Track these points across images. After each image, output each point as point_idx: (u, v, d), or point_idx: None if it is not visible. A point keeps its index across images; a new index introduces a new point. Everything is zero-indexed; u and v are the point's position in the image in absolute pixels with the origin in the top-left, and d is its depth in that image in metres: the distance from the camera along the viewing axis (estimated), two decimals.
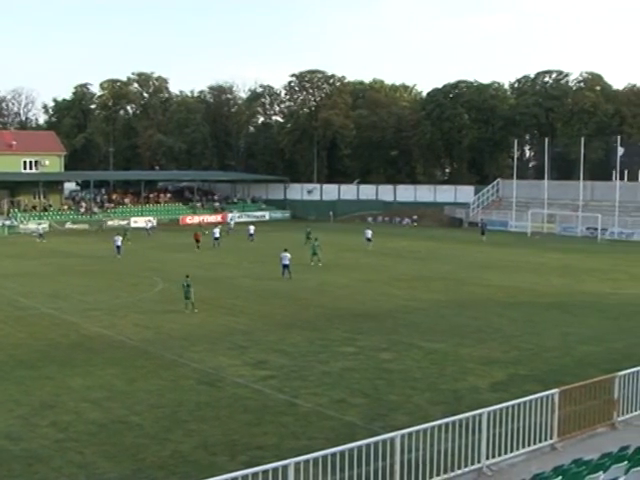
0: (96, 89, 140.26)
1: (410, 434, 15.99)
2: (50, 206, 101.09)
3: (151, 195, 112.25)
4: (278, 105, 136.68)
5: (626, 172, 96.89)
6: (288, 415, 22.50)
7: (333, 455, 14.69)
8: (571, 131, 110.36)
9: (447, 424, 16.66)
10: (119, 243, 65.49)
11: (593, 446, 17.81)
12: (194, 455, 19.42)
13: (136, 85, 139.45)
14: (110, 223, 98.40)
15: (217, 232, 74.40)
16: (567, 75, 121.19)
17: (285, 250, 51.97)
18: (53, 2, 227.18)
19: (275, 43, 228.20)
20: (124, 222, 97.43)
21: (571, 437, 18.79)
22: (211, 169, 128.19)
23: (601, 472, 11.23)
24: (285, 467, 13.85)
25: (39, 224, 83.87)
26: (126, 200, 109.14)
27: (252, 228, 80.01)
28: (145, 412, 22.71)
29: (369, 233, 72.82)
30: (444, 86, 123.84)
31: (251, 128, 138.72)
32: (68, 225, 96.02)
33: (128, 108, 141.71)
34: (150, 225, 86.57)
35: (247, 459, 18.60)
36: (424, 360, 29.29)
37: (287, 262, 50.69)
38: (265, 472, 13.62)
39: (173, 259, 62.28)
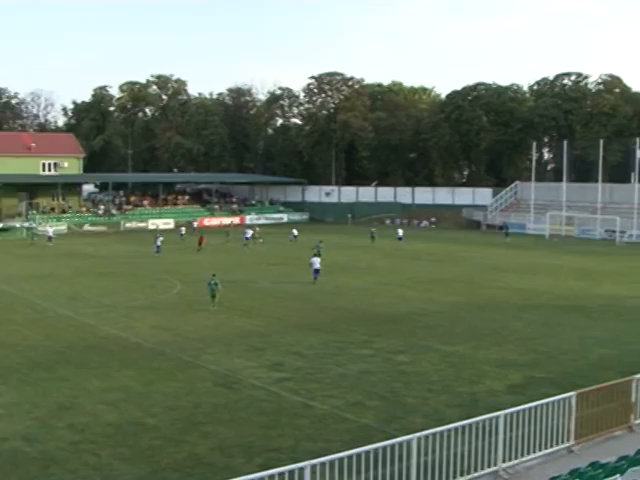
0: (115, 91, 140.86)
1: (426, 437, 15.92)
2: (70, 208, 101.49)
3: (169, 197, 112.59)
4: (297, 107, 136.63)
5: None
6: (304, 417, 22.49)
7: (349, 458, 14.63)
8: (590, 133, 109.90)
9: (463, 427, 16.60)
10: (159, 242, 68.38)
11: (610, 449, 17.70)
12: (210, 457, 19.42)
13: (155, 87, 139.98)
14: (128, 225, 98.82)
15: (249, 233, 76.91)
16: (586, 77, 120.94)
17: (315, 255, 52.49)
18: (74, 4, 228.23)
19: (294, 45, 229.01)
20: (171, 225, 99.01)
21: (588, 440, 18.70)
22: (229, 171, 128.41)
23: (618, 475, 11.16)
24: (301, 469, 13.81)
25: (51, 226, 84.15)
26: (144, 202, 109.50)
27: (295, 231, 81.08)
28: (161, 414, 22.74)
29: (400, 232, 77.04)
30: (463, 88, 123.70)
31: (270, 130, 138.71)
32: (86, 227, 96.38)
33: (147, 110, 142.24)
34: (183, 229, 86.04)
35: (263, 461, 18.58)
36: (441, 363, 29.22)
37: (318, 266, 50.42)
38: (281, 474, 13.59)
39: (190, 261, 62.34)
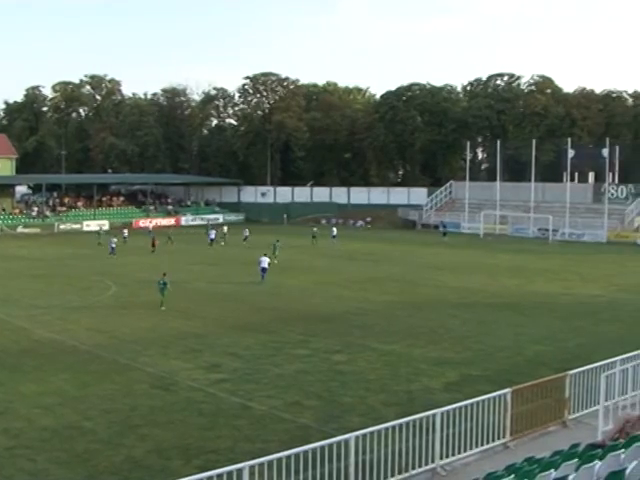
0: (48, 91, 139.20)
1: (364, 435, 15.96)
2: (2, 210, 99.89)
3: (104, 198, 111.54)
4: (232, 108, 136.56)
5: (576, 174, 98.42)
6: (242, 418, 22.40)
7: (287, 458, 14.61)
8: (522, 133, 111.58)
9: (401, 425, 16.67)
10: (113, 244, 67.76)
11: (545, 444, 17.93)
12: (147, 460, 19.24)
13: (88, 87, 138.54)
14: (62, 227, 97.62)
15: (213, 233, 77.85)
16: (519, 78, 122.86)
17: (265, 254, 52.31)
18: (5, 2, 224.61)
19: (229, 46, 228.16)
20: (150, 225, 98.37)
21: (523, 436, 18.92)
22: (164, 172, 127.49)
23: (552, 470, 11.31)
24: (239, 470, 13.76)
25: None
26: (79, 204, 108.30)
27: (247, 231, 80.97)
28: (98, 417, 22.45)
29: (334, 231, 77.71)
30: (397, 89, 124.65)
31: (204, 131, 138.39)
32: (20, 229, 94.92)
33: (80, 111, 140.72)
34: (126, 231, 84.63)
35: (201, 463, 18.45)
36: (377, 362, 29.32)
37: (266, 265, 50.77)
38: (219, 476, 13.52)
39: (125, 263, 61.68)
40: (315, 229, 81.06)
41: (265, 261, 51.18)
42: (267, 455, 14.83)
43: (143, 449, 19.91)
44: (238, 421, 22.10)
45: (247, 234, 79.54)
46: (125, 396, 24.55)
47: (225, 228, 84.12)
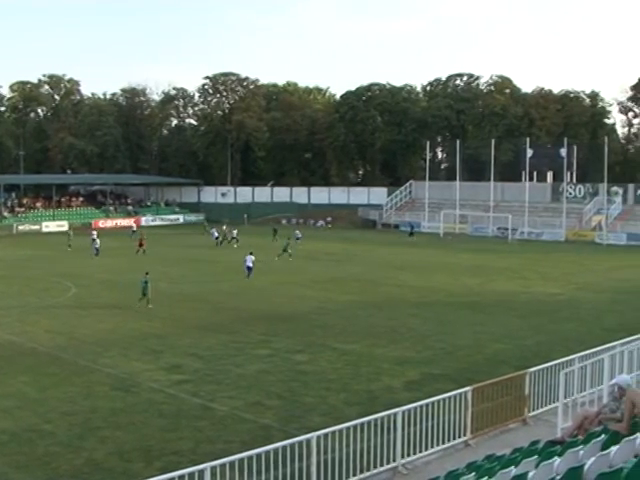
0: (5, 91, 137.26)
1: (326, 435, 15.98)
2: None
3: (63, 199, 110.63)
4: (192, 108, 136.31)
5: (535, 173, 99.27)
6: (204, 419, 22.35)
7: (249, 458, 14.59)
8: (482, 133, 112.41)
9: (362, 424, 16.71)
10: (97, 245, 67.43)
11: (505, 442, 18.06)
12: (108, 462, 19.13)
13: (47, 87, 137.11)
14: (21, 228, 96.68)
15: (216, 233, 78.27)
16: (478, 78, 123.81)
17: (251, 253, 53.18)
18: None
19: (188, 45, 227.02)
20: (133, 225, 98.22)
21: (484, 434, 19.04)
22: (124, 172, 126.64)
23: (512, 467, 11.39)
24: (201, 472, 13.71)
25: None
26: (37, 204, 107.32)
27: (235, 232, 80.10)
28: (58, 420, 22.28)
29: (299, 234, 76.98)
30: (357, 89, 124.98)
31: (164, 131, 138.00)
32: None
33: (39, 111, 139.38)
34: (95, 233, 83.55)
35: (163, 465, 18.38)
36: (339, 361, 29.39)
37: (251, 264, 51.91)
38: (181, 477, 13.45)
39: (85, 264, 61.21)
40: (276, 228, 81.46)
41: (250, 259, 52.27)
42: (229, 456, 14.78)
43: (104, 451, 19.80)
44: (199, 422, 22.04)
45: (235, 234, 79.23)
46: (85, 398, 24.38)
47: (224, 227, 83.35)
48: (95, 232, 77.70)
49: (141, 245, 68.59)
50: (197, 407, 23.50)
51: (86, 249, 70.01)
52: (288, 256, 63.44)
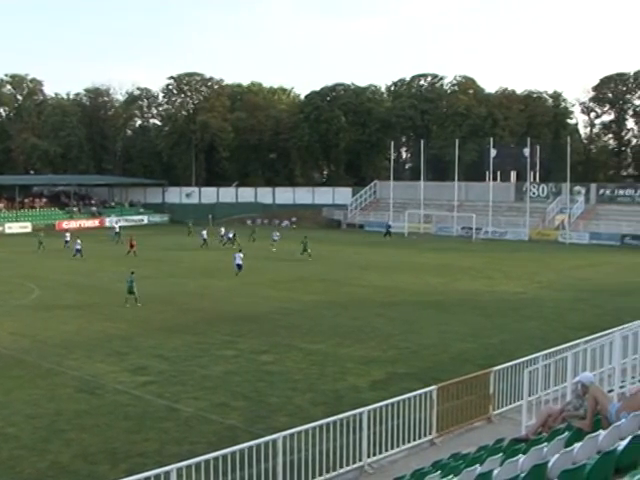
0: None
1: (292, 435, 16.01)
2: None
3: (26, 200, 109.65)
4: (156, 108, 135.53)
5: (499, 173, 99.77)
6: (169, 421, 22.28)
7: (215, 459, 14.59)
8: (446, 133, 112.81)
9: (328, 424, 16.76)
10: (78, 246, 66.35)
11: (470, 440, 18.18)
12: (74, 465, 19.02)
13: (9, 87, 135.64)
14: None
15: (226, 232, 78.36)
16: (442, 79, 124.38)
17: (240, 250, 55.10)
18: None
19: (152, 45, 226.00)
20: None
21: (449, 432, 19.16)
22: (88, 173, 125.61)
23: (478, 465, 11.48)
24: (167, 473, 13.69)
25: None
26: (0, 205, 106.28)
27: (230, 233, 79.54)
28: (22, 423, 22.10)
29: (276, 235, 76.30)
30: (322, 89, 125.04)
31: (128, 131, 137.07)
32: None
33: (1, 111, 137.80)
34: (69, 235, 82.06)
35: (128, 467, 18.32)
36: (304, 361, 29.42)
37: (240, 262, 53.79)
38: (147, 479, 13.46)
39: (48, 266, 60.71)
40: (253, 231, 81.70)
41: (239, 257, 54.16)
42: (195, 457, 14.80)
43: (69, 454, 19.68)
44: (165, 423, 21.97)
45: (222, 233, 79.97)
46: (50, 401, 24.22)
47: (222, 229, 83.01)
48: (69, 234, 77.05)
49: (132, 246, 67.66)
50: (162, 408, 23.42)
51: (59, 251, 69.54)
52: (308, 256, 64.55)
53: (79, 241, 67.40)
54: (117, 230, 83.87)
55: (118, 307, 41.47)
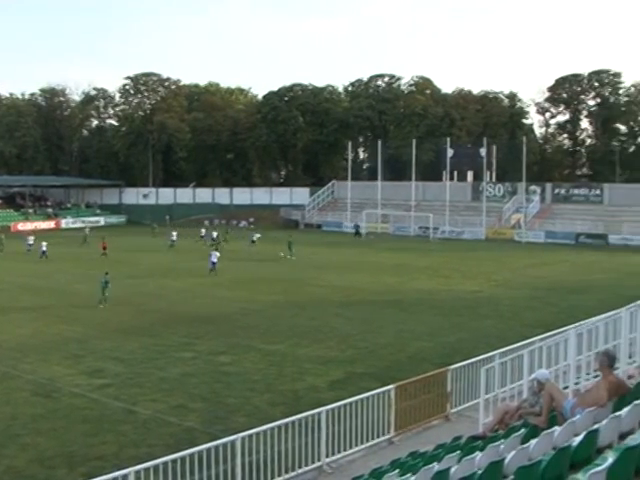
0: None
1: (250, 436, 16.00)
2: None
3: None
4: (112, 108, 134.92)
5: (455, 173, 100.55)
6: (127, 423, 22.13)
7: (174, 461, 14.54)
8: (403, 133, 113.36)
9: (287, 424, 16.76)
10: (44, 248, 65.40)
11: (428, 438, 18.29)
12: (30, 470, 18.81)
13: None
14: None
15: (175, 235, 76.99)
16: (399, 79, 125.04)
17: (216, 249, 56.59)
18: None
19: (109, 45, 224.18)
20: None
21: (407, 431, 19.24)
22: (43, 174, 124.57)
23: (435, 463, 11.55)
24: (125, 476, 13.64)
25: None
26: None
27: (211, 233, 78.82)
28: None
29: (254, 236, 75.31)
30: (279, 89, 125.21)
31: (85, 132, 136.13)
32: None
33: None
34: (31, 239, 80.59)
35: (86, 470, 18.19)
36: (262, 362, 29.36)
37: (215, 260, 55.27)
38: None
39: (4, 268, 59.89)
40: (219, 231, 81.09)
41: (215, 255, 55.76)
42: (153, 459, 14.73)
43: (25, 459, 19.47)
44: (123, 426, 21.83)
45: (207, 234, 79.24)
46: (5, 405, 23.95)
47: (216, 233, 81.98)
48: (32, 237, 75.23)
49: (104, 248, 67.19)
50: (120, 411, 23.26)
51: (19, 254, 68.80)
52: (290, 256, 65.45)
53: (44, 243, 66.49)
54: (87, 232, 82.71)
55: (75, 309, 41.15)
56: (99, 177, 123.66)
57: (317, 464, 17.28)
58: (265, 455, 16.27)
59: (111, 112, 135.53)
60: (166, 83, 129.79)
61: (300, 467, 16.91)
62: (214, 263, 54.99)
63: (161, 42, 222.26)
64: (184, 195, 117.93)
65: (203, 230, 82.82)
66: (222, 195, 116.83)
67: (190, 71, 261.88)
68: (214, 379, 26.75)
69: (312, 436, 17.10)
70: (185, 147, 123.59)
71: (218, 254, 56.12)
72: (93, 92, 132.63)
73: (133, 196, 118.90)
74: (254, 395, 24.74)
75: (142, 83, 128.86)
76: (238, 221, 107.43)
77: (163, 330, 35.49)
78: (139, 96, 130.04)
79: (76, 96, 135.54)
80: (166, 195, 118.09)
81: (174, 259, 64.49)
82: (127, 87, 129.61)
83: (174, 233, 77.44)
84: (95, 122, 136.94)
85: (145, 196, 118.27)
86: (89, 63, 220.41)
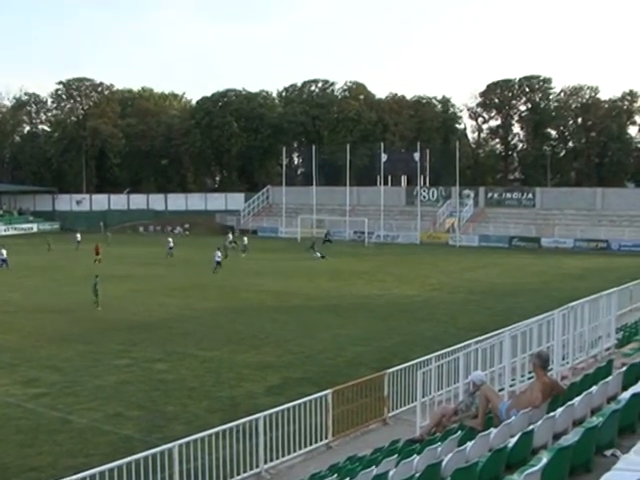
0: None
1: (188, 443, 15.94)
2: None
3: None
4: (45, 114, 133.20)
5: (390, 177, 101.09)
6: (63, 433, 21.89)
7: (111, 470, 14.41)
8: (337, 138, 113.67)
9: (224, 431, 16.75)
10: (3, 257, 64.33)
11: (366, 442, 18.40)
12: None
13: None
14: None
15: (171, 242, 72.84)
16: (333, 84, 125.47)
17: (218, 249, 60.98)
18: None
19: (40, 49, 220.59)
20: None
21: (345, 435, 19.34)
22: None
23: (374, 467, 11.64)
24: None
25: None
26: None
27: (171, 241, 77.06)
28: None
29: (171, 242, 72.86)
30: (213, 95, 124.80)
31: (17, 138, 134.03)
32: None
33: None
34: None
35: None
36: (199, 369, 29.28)
37: (218, 259, 59.95)
38: None
39: None
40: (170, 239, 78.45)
41: (217, 255, 60.12)
42: (90, 469, 14.57)
43: None
44: (59, 436, 21.59)
45: (171, 245, 73.33)
46: None
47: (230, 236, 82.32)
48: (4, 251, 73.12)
49: (97, 253, 66.38)
50: (56, 421, 23.00)
51: None
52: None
53: (4, 251, 65.11)
54: (78, 239, 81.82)
55: (8, 317, 40.54)
56: (32, 183, 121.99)
57: (256, 470, 17.29)
58: (203, 462, 16.26)
59: (43, 118, 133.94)
60: (99, 88, 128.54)
61: (239, 474, 16.90)
62: (218, 262, 59.60)
63: (94, 47, 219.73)
64: (118, 201, 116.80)
65: (230, 236, 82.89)
66: (157, 201, 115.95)
67: (123, 76, 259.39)
68: (151, 387, 26.60)
69: (250, 442, 17.13)
70: (119, 153, 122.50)
71: (220, 253, 60.86)
72: (25, 97, 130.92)
73: (67, 202, 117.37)
74: (192, 402, 24.67)
75: (75, 88, 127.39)
76: (173, 227, 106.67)
77: (99, 338, 35.16)
78: (72, 101, 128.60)
79: (7, 101, 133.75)
80: (100, 201, 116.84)
81: (111, 265, 63.88)
82: (59, 92, 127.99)
83: (170, 240, 74.09)
84: (27, 128, 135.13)
85: (79, 202, 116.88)
86: (20, 68, 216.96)
